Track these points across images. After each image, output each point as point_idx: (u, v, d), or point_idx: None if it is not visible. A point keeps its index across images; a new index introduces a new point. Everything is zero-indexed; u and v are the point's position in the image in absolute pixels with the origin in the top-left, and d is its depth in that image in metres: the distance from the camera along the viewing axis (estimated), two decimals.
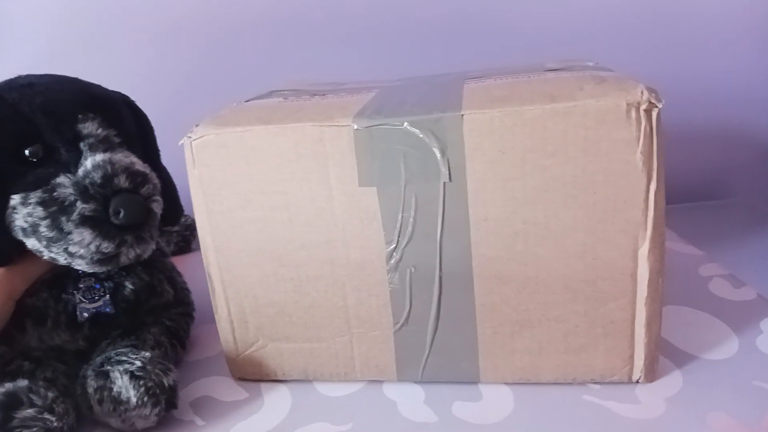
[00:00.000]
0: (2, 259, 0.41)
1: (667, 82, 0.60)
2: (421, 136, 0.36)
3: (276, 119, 0.39)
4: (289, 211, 0.39)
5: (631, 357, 0.39)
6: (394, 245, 0.39)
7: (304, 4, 0.73)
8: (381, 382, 0.43)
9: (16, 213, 0.40)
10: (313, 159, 0.38)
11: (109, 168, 0.40)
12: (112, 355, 0.41)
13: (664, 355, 0.42)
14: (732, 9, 0.72)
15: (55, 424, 0.37)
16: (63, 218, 0.39)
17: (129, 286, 0.46)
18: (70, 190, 0.39)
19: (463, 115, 0.35)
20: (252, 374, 0.45)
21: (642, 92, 0.34)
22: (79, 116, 0.41)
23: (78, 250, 0.39)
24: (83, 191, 0.39)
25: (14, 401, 0.36)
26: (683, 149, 0.66)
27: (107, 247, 0.39)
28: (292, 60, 0.74)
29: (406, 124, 0.36)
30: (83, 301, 0.44)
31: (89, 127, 0.41)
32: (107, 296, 0.45)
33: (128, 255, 0.41)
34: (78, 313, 0.44)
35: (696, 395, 0.38)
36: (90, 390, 0.39)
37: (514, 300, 0.39)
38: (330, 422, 0.39)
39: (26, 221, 0.40)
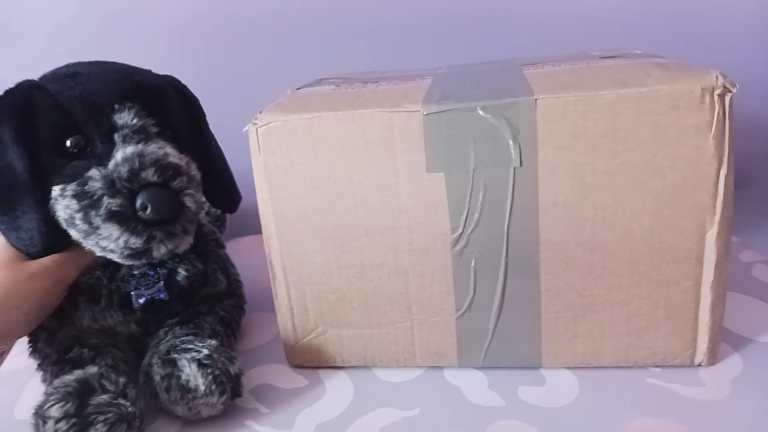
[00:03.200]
0: (51, 248, 0.41)
1: None
2: (492, 121, 0.36)
3: (343, 106, 0.39)
4: (355, 198, 0.39)
5: (694, 340, 0.39)
6: (460, 231, 0.39)
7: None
8: (441, 367, 0.43)
9: (57, 204, 0.40)
10: (381, 145, 0.38)
11: (137, 161, 0.38)
12: (177, 343, 0.41)
13: (721, 339, 0.42)
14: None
15: (129, 409, 0.37)
16: (92, 212, 0.38)
17: (182, 272, 0.46)
18: (99, 184, 0.38)
19: (537, 99, 0.35)
20: (310, 361, 0.45)
21: (717, 77, 0.34)
22: (116, 106, 0.40)
23: (108, 244, 0.39)
24: (110, 185, 0.38)
25: (87, 388, 0.36)
26: None
27: (135, 243, 0.38)
28: (302, 56, 0.73)
29: (478, 109, 0.36)
30: (138, 288, 0.44)
31: (124, 118, 0.40)
32: (161, 282, 0.45)
33: (159, 250, 0.39)
34: (133, 299, 0.44)
35: (759, 377, 0.39)
36: (157, 378, 0.39)
37: (579, 284, 0.39)
38: (396, 407, 0.40)
39: (65, 213, 0.39)
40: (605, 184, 0.36)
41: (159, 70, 0.45)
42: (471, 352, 0.42)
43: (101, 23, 0.71)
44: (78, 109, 0.40)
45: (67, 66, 0.43)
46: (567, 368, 0.42)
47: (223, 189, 0.48)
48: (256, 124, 0.39)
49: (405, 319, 0.42)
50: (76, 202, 0.39)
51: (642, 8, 0.72)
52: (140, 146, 0.39)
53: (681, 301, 0.39)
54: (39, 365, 0.44)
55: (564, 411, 0.38)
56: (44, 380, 0.43)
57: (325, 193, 0.40)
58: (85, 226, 0.39)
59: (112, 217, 0.38)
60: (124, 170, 0.38)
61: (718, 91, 0.34)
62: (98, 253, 0.40)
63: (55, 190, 0.40)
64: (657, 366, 0.41)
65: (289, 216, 0.41)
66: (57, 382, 0.37)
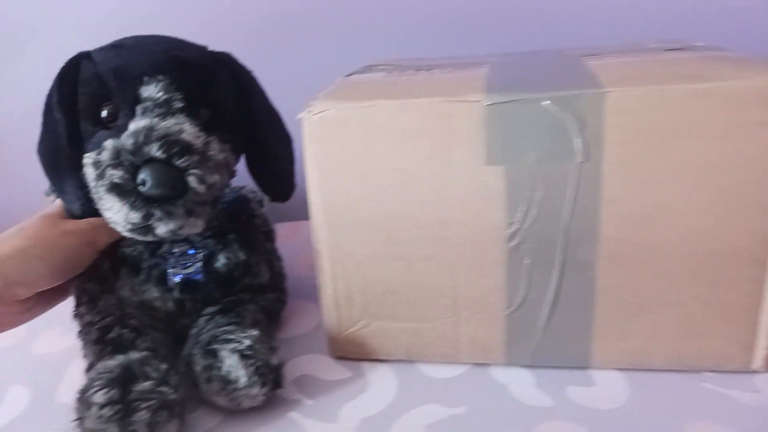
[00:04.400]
0: (91, 213, 0.41)
1: None
2: (558, 113, 0.35)
3: (398, 94, 0.38)
4: (407, 189, 0.38)
5: (752, 346, 0.38)
6: (517, 227, 0.38)
7: None
8: (486, 365, 0.42)
9: (86, 170, 0.40)
10: (438, 136, 0.37)
11: (143, 135, 0.37)
12: (218, 333, 0.40)
13: None
14: None
15: (171, 396, 0.36)
16: (99, 182, 0.38)
17: (223, 259, 0.45)
18: (108, 155, 0.38)
19: (605, 92, 0.34)
20: (353, 353, 0.44)
21: None
22: (145, 78, 0.39)
23: (111, 216, 0.38)
24: (115, 157, 0.37)
25: (130, 374, 0.36)
26: None
27: (134, 217, 0.37)
28: (347, 42, 0.72)
29: (544, 100, 0.35)
30: (176, 266, 0.44)
31: (150, 90, 0.39)
32: (199, 263, 0.44)
33: (160, 229, 0.38)
34: (168, 277, 0.43)
35: None
36: (198, 369, 0.39)
37: (635, 283, 0.38)
38: (443, 404, 0.39)
39: (89, 180, 0.40)
40: (668, 181, 0.35)
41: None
42: (519, 350, 0.41)
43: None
44: (111, 79, 0.40)
45: (123, 38, 0.43)
46: (616, 369, 0.41)
47: (274, 175, 0.47)
48: (310, 111, 0.38)
49: (452, 314, 0.41)
50: (93, 170, 0.39)
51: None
52: (155, 120, 0.38)
53: (740, 305, 0.38)
54: (79, 332, 0.44)
55: (616, 413, 0.37)
56: (85, 355, 0.42)
57: (377, 183, 0.39)
58: (96, 196, 0.39)
59: (112, 189, 0.37)
60: (129, 143, 0.37)
61: None
62: (108, 222, 0.40)
63: (85, 158, 0.40)
64: (711, 371, 0.40)
65: (338, 206, 0.40)
66: (100, 366, 0.37)
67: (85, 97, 0.41)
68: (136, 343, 0.41)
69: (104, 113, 0.40)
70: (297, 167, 0.46)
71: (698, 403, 0.37)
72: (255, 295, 0.47)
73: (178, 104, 0.40)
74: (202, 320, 0.44)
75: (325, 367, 0.44)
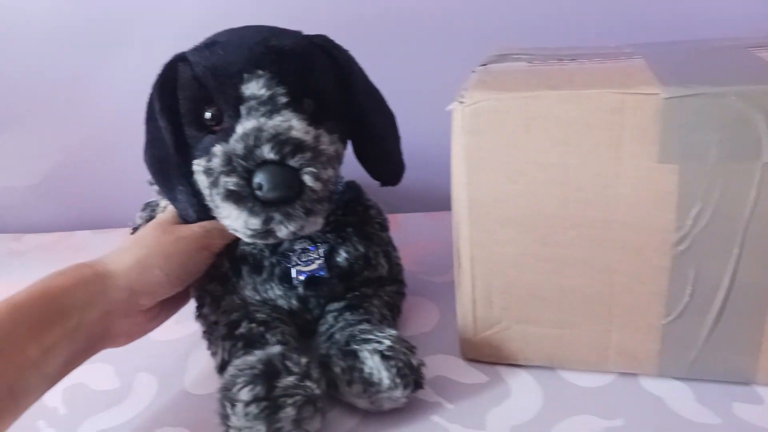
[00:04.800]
0: (204, 218, 0.41)
1: None
2: (745, 109, 0.32)
3: (562, 85, 0.35)
4: (566, 186, 0.36)
5: None
6: (686, 231, 0.35)
7: None
8: (635, 375, 0.40)
9: (197, 178, 0.39)
10: (606, 130, 0.34)
11: (252, 138, 0.36)
12: (355, 332, 0.39)
13: None
14: None
15: (316, 391, 0.35)
16: (214, 191, 0.37)
17: (343, 254, 0.44)
18: (219, 161, 0.36)
19: None
20: (488, 356, 0.42)
21: None
22: (245, 76, 0.37)
23: (230, 223, 0.37)
24: (227, 163, 0.36)
25: (273, 370, 0.35)
26: None
27: (254, 223, 0.36)
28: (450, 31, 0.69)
29: (730, 95, 0.32)
30: (299, 264, 0.43)
31: (252, 88, 0.37)
32: (322, 260, 0.43)
33: (281, 231, 0.37)
34: (293, 275, 0.42)
35: None
36: (337, 370, 0.38)
37: None
38: (596, 415, 0.37)
39: (201, 188, 0.39)
40: None
41: None
42: (674, 361, 0.39)
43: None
44: (210, 80, 0.38)
45: (216, 34, 0.41)
46: None
47: (382, 156, 0.45)
48: (463, 102, 0.36)
49: (603, 321, 0.39)
50: (205, 178, 0.38)
51: None
52: (262, 120, 0.37)
53: None
54: (204, 332, 0.44)
55: None
56: (214, 353, 0.42)
57: (532, 179, 0.37)
58: (211, 204, 0.38)
59: (229, 196, 0.36)
60: (239, 147, 0.36)
61: None
62: (227, 229, 0.39)
63: (195, 165, 0.39)
64: None
65: (484, 202, 0.38)
66: (239, 362, 0.36)
67: (186, 102, 0.40)
68: (266, 337, 0.40)
69: (207, 115, 0.39)
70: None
71: None
72: (377, 290, 0.46)
73: (283, 99, 0.38)
74: (329, 317, 0.43)
75: (458, 369, 0.42)
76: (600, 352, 0.40)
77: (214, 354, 0.42)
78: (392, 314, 0.46)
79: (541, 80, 0.37)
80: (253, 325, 0.41)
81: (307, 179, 0.36)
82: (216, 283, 0.43)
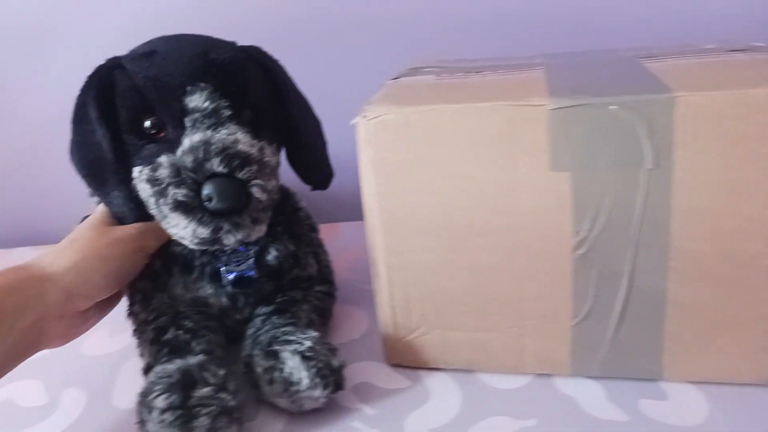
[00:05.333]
0: (132, 217, 0.42)
1: None
2: (627, 118, 0.33)
3: (459, 98, 0.37)
4: (471, 196, 0.37)
5: None
6: (584, 235, 0.37)
7: None
8: (550, 375, 0.41)
9: (137, 185, 0.40)
10: (503, 142, 0.36)
11: (202, 151, 0.37)
12: (278, 334, 0.40)
13: None
14: None
15: (231, 402, 0.36)
16: (161, 200, 0.38)
17: (273, 252, 0.45)
18: (167, 172, 0.38)
19: (675, 97, 0.32)
20: (411, 361, 0.43)
21: None
22: (188, 88, 0.39)
23: (177, 232, 0.39)
24: (176, 175, 0.37)
25: (190, 380, 0.36)
26: None
27: (203, 233, 0.38)
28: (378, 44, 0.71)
29: (612, 105, 0.33)
30: (228, 264, 0.44)
31: (196, 101, 0.39)
32: (251, 260, 0.44)
33: (228, 240, 0.38)
34: (222, 275, 0.44)
35: None
36: (259, 370, 0.39)
37: (710, 296, 0.36)
38: (511, 416, 0.38)
39: (143, 195, 0.40)
40: (751, 191, 0.33)
41: None
42: (585, 361, 0.40)
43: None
44: (152, 91, 0.39)
45: (149, 42, 0.42)
46: (690, 383, 0.39)
47: (312, 163, 0.47)
48: (366, 116, 0.37)
49: (516, 324, 0.40)
50: (149, 187, 0.39)
51: None
52: (209, 133, 0.38)
53: None
54: (134, 330, 0.45)
55: (697, 430, 0.35)
56: (141, 354, 0.43)
57: (439, 189, 0.38)
58: (156, 212, 0.39)
59: (178, 207, 0.37)
60: (189, 160, 0.37)
61: None
62: (173, 237, 0.40)
63: (135, 172, 0.40)
64: None
65: (396, 212, 0.39)
66: (159, 370, 0.37)
67: (125, 111, 0.40)
68: (191, 345, 0.41)
69: (148, 124, 0.40)
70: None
71: None
72: (307, 294, 0.47)
73: (226, 112, 0.39)
74: (257, 320, 0.44)
75: (381, 374, 0.43)
76: (516, 354, 0.41)
77: (141, 355, 0.43)
78: (322, 318, 0.47)
79: (442, 94, 0.38)
80: (180, 332, 0.42)
81: (255, 191, 0.38)
82: (147, 281, 0.44)
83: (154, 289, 0.45)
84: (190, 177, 0.37)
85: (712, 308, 0.36)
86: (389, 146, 0.38)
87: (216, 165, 0.37)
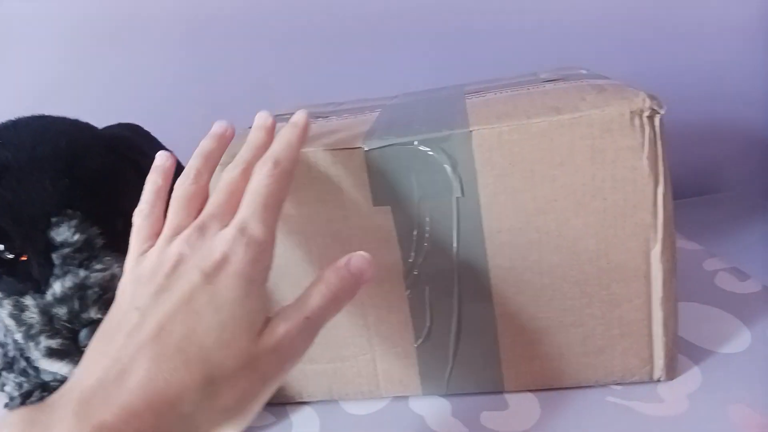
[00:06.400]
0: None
1: (658, 76, 0.61)
2: (431, 153, 0.37)
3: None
4: (306, 234, 0.40)
5: (651, 357, 0.40)
6: (411, 261, 0.39)
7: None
8: (406, 397, 0.43)
9: None
10: (328, 182, 0.39)
11: (76, 301, 0.34)
12: None
13: (681, 352, 0.42)
14: (725, 3, 0.74)
15: None
16: (32, 344, 0.36)
17: None
18: (37, 318, 0.35)
19: (471, 131, 0.36)
20: (276, 397, 0.45)
21: (644, 100, 0.35)
22: (53, 219, 0.35)
23: (51, 369, 0.37)
24: (48, 323, 0.35)
25: None
26: (673, 145, 0.67)
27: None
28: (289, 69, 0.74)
29: (416, 142, 0.37)
30: None
31: (63, 234, 0.35)
32: None
33: None
34: None
35: (716, 390, 0.39)
36: None
37: (532, 308, 0.39)
38: None
39: (6, 321, 0.37)
40: (547, 209, 0.37)
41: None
42: (434, 380, 0.42)
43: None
44: (9, 223, 0.35)
45: None
46: (529, 391, 0.42)
47: None
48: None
49: (366, 351, 0.42)
50: (14, 323, 0.36)
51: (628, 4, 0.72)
52: (81, 273, 0.35)
53: (633, 319, 0.39)
54: None
55: None
56: None
57: (279, 228, 0.40)
58: (25, 347, 0.37)
59: (52, 354, 0.35)
60: (62, 312, 0.34)
61: (646, 113, 0.35)
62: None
63: None
64: (617, 384, 0.41)
65: None
66: None
67: None
68: None
69: (1, 248, 0.35)
70: None
71: (603, 417, 0.38)
72: None
73: (99, 241, 0.36)
74: None
75: None
76: (371, 380, 0.43)
77: None
78: None
79: None
80: None
81: None
82: None
83: None
84: (66, 327, 0.34)
85: (531, 317, 0.40)
86: None
87: (94, 313, 0.34)
